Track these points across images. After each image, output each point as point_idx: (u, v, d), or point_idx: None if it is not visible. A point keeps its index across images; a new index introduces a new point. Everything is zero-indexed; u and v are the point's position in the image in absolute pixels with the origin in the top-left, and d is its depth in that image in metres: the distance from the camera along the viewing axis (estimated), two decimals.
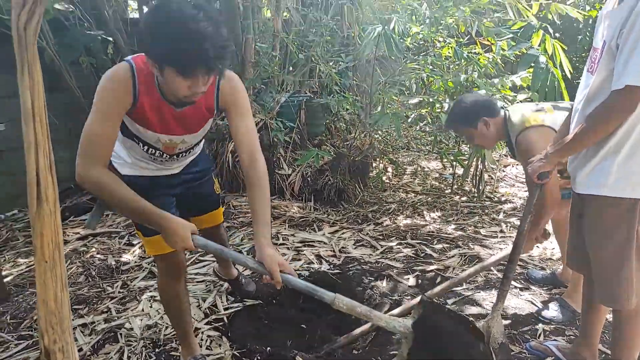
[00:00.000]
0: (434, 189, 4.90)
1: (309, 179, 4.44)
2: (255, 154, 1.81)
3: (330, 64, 4.86)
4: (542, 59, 3.77)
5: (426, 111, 4.21)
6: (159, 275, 2.08)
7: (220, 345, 2.33)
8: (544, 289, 2.78)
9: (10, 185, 4.29)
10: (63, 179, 4.73)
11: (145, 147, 1.80)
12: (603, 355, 2.15)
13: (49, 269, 0.83)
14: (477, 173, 4.63)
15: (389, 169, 5.62)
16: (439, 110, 3.90)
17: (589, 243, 1.77)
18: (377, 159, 5.27)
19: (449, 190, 4.83)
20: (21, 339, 2.41)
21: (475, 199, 4.50)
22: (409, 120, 4.25)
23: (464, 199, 4.56)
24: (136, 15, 5.34)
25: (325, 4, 5.59)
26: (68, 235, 3.73)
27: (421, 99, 4.06)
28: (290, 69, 5.22)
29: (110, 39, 4.30)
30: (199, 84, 1.49)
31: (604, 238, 1.70)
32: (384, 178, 5.17)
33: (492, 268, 3.03)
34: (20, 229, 3.90)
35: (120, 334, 2.42)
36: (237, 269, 2.75)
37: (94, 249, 3.47)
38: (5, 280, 2.92)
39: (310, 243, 3.52)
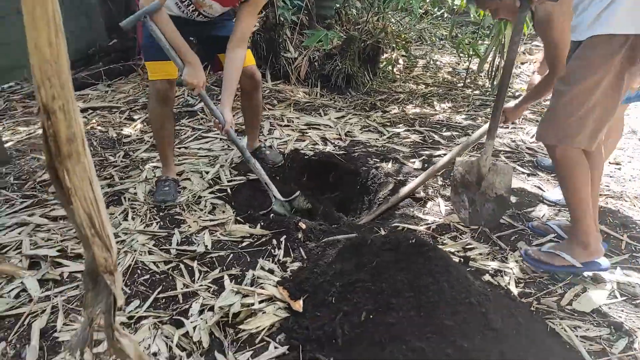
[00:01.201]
0: (446, 82, 4.70)
1: (316, 63, 4.24)
2: (243, 43, 2.31)
3: None
4: None
5: None
6: (150, 98, 2.42)
7: (223, 212, 2.33)
8: (552, 175, 2.74)
9: (4, 57, 4.10)
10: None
11: None
12: (605, 235, 2.16)
13: (38, 4, 0.68)
14: (493, 68, 4.41)
15: (400, 61, 5.37)
16: None
17: (567, 74, 1.71)
18: (389, 49, 5.01)
19: (462, 84, 4.64)
20: (25, 198, 2.42)
21: (487, 93, 4.33)
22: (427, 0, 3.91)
23: (476, 92, 4.39)
24: None
25: None
26: None
27: None
28: None
29: None
30: None
31: (585, 72, 1.63)
32: (394, 70, 4.95)
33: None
34: (17, 99, 3.79)
35: (124, 197, 2.43)
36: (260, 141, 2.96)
37: (94, 122, 3.40)
38: (5, 145, 2.89)
39: (315, 126, 3.43)
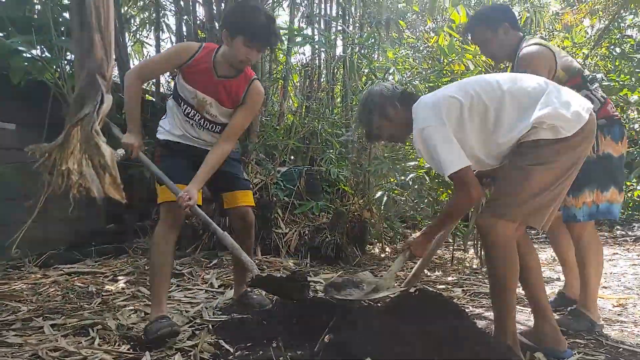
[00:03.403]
0: (437, 259, 4.75)
1: (306, 237, 4.35)
2: (231, 138, 2.41)
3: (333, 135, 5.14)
4: None
5: (424, 172, 4.26)
6: (159, 223, 2.35)
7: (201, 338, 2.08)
8: (559, 311, 2.57)
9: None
10: (54, 239, 4.62)
11: (184, 106, 2.37)
12: None
13: None
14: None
15: (387, 249, 5.51)
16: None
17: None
18: (375, 239, 5.20)
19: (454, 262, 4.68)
20: None
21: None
22: (407, 178, 4.26)
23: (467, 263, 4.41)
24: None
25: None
26: (50, 276, 3.52)
27: (418, 162, 4.20)
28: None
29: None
30: (253, 55, 2.23)
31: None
32: (382, 256, 5.05)
33: None
34: None
35: (93, 329, 2.19)
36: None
37: (76, 280, 3.26)
38: None
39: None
